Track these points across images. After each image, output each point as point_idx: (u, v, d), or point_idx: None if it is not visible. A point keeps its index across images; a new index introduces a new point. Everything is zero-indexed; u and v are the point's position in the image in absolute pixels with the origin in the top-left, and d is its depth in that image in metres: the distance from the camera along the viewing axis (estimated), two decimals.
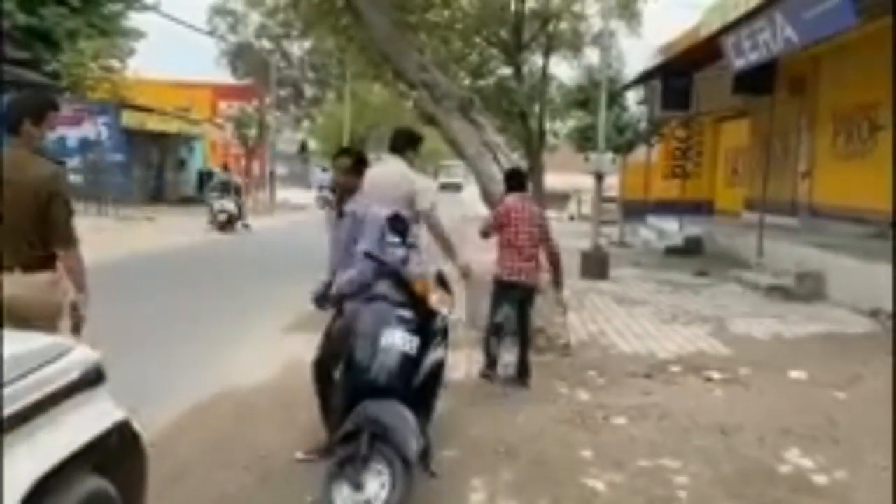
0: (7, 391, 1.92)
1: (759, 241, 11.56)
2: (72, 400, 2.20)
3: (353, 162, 4.28)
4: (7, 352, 2.02)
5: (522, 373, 5.83)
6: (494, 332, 5.91)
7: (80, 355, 2.30)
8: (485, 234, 6.02)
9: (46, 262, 3.52)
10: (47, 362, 2.14)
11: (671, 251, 14.82)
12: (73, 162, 22.53)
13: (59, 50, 24.10)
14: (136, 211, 20.63)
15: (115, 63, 27.37)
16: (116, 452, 2.36)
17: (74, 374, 2.22)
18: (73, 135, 22.95)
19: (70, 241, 3.53)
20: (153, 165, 26.33)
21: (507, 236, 5.80)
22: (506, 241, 5.82)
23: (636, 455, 4.34)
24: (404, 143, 5.17)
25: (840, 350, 7.19)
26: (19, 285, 3.38)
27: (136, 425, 2.42)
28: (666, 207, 17.84)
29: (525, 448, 4.42)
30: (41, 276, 3.49)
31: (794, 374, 6.20)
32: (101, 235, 14.54)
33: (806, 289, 9.85)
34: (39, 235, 3.46)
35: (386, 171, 5.07)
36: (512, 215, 5.80)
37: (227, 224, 18.33)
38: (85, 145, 22.35)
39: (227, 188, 19.35)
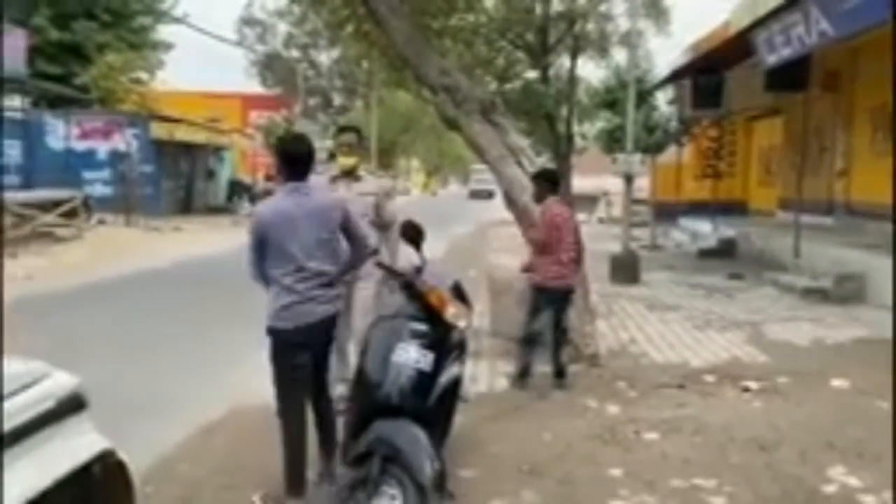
0: None
1: (796, 241, 11.18)
2: (47, 430, 2.04)
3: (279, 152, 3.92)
4: None
5: (558, 374, 5.74)
6: (529, 340, 5.71)
7: (56, 382, 2.13)
8: (536, 244, 5.71)
9: None
10: (17, 390, 1.98)
11: (704, 253, 14.46)
12: (104, 174, 22.81)
13: (89, 63, 24.43)
14: (164, 222, 20.75)
15: (143, 75, 27.69)
16: (100, 484, 2.20)
17: (50, 403, 2.06)
18: (103, 147, 23.20)
19: None
20: (182, 176, 26.47)
21: (551, 241, 5.58)
22: (549, 247, 5.59)
23: (669, 474, 4.08)
24: None
25: (884, 356, 6.78)
26: None
27: (122, 454, 2.25)
28: (698, 208, 17.45)
29: (551, 467, 4.19)
30: None
31: (837, 382, 5.88)
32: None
33: (845, 291, 9.47)
34: None
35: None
36: (558, 221, 5.60)
37: None
38: (115, 157, 22.54)
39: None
